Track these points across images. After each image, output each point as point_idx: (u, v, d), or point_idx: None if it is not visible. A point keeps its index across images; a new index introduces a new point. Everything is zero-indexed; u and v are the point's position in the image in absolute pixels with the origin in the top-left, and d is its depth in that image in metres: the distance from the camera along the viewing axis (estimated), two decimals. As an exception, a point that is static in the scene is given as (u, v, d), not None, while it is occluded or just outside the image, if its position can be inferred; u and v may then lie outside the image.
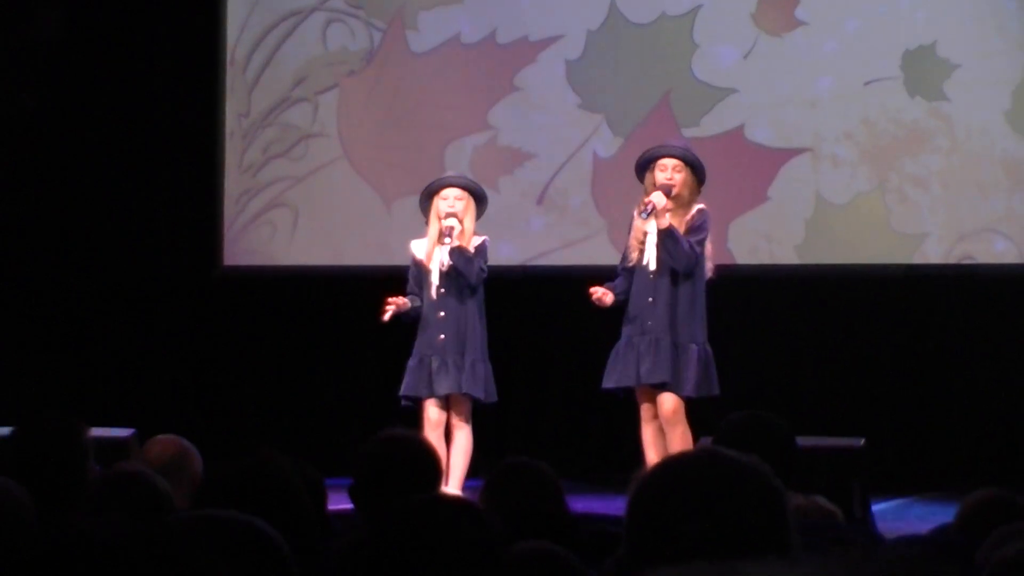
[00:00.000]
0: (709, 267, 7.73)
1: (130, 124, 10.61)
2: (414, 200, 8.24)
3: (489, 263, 7.95)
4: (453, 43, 10.27)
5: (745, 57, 9.81)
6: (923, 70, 9.57)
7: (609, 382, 7.73)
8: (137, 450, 6.29)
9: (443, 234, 7.78)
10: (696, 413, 7.61)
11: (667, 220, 7.57)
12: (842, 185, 9.67)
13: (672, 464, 2.23)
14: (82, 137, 10.65)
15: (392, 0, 10.37)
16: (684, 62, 9.89)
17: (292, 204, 10.44)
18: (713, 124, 9.79)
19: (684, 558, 1.95)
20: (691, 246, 7.57)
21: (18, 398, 9.77)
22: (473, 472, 7.64)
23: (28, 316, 10.64)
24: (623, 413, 8.21)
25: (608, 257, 9.24)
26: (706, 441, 6.21)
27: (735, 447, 2.26)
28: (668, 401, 7.57)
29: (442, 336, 7.82)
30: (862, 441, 7.20)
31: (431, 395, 7.80)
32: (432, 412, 7.81)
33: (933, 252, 9.53)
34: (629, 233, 7.84)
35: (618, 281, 7.79)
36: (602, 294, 7.65)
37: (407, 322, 7.93)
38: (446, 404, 7.84)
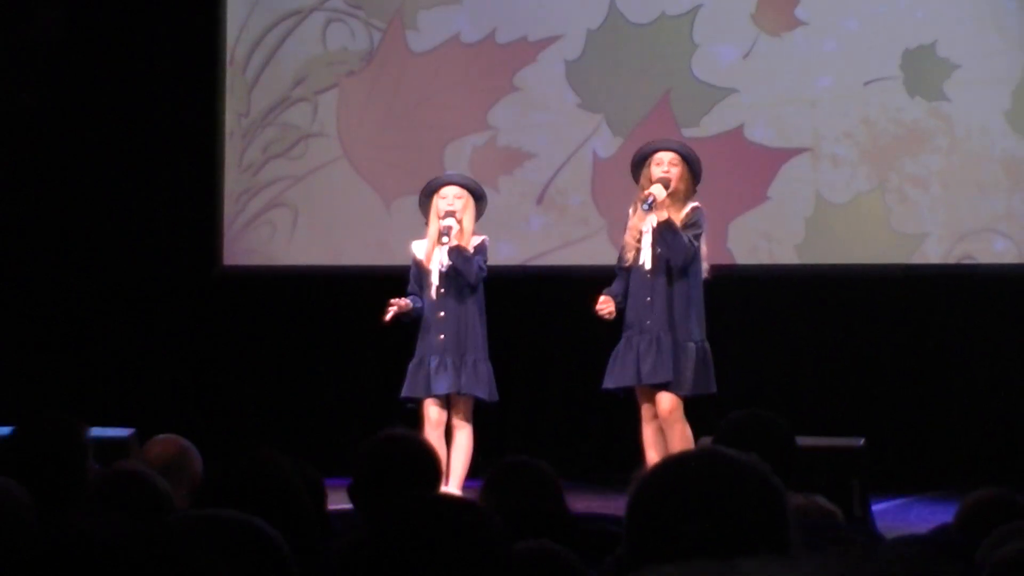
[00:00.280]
0: (705, 267, 7.72)
1: (130, 124, 10.62)
2: (414, 200, 8.24)
3: (489, 263, 7.95)
4: (453, 43, 10.27)
5: (745, 57, 9.81)
6: (923, 70, 9.57)
7: (609, 382, 7.73)
8: (137, 450, 6.29)
9: (441, 233, 7.77)
10: (696, 412, 7.61)
11: (666, 213, 7.56)
12: (842, 185, 9.67)
13: (672, 464, 2.23)
14: (82, 137, 10.65)
15: (392, 0, 10.37)
16: (684, 62, 9.89)
17: (292, 204, 10.44)
18: (713, 124, 9.80)
19: (684, 557, 1.95)
20: (689, 240, 7.57)
21: (18, 398, 9.78)
22: (473, 472, 7.64)
23: (28, 316, 10.64)
24: (623, 413, 8.21)
25: (608, 257, 9.23)
26: (706, 441, 6.21)
27: (735, 446, 2.26)
28: (665, 400, 7.57)
29: (442, 336, 7.82)
30: (862, 441, 7.20)
31: (431, 395, 7.79)
32: (432, 412, 7.80)
33: (933, 252, 9.53)
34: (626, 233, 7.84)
35: (615, 284, 7.79)
36: (608, 313, 7.66)
37: (407, 322, 7.93)
38: (446, 404, 7.83)
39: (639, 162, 7.79)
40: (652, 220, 7.62)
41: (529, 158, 10.10)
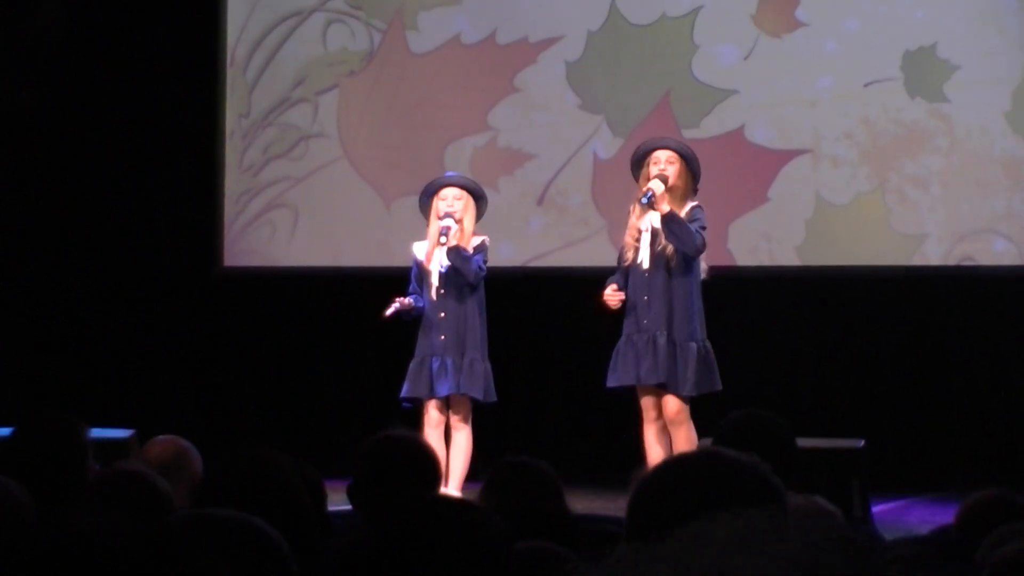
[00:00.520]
0: (703, 267, 7.72)
1: (130, 124, 10.62)
2: (414, 200, 8.24)
3: (489, 263, 7.94)
4: (453, 44, 10.27)
5: (745, 58, 9.81)
6: (923, 71, 9.57)
7: (612, 381, 7.72)
8: (137, 450, 6.29)
9: (440, 234, 7.78)
10: (697, 412, 7.61)
11: (667, 207, 7.55)
12: (842, 186, 9.67)
13: (672, 464, 2.23)
14: (82, 137, 10.65)
15: (392, 0, 10.37)
16: (684, 63, 9.89)
17: (292, 204, 10.44)
18: (713, 125, 9.79)
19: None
20: (697, 230, 7.56)
21: (18, 398, 9.78)
22: (473, 473, 7.64)
23: (28, 316, 10.64)
24: (623, 413, 8.21)
25: (608, 257, 9.23)
26: (707, 443, 6.21)
27: (734, 446, 2.26)
28: (673, 403, 7.56)
29: (442, 337, 7.82)
30: (862, 442, 7.20)
31: (431, 396, 7.79)
32: (432, 413, 7.80)
33: (933, 252, 9.53)
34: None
35: (617, 276, 7.79)
36: (616, 302, 7.66)
37: (407, 320, 7.93)
38: (446, 405, 7.83)
39: (637, 162, 7.79)
40: (651, 219, 7.62)
41: (529, 159, 10.10)
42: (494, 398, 7.91)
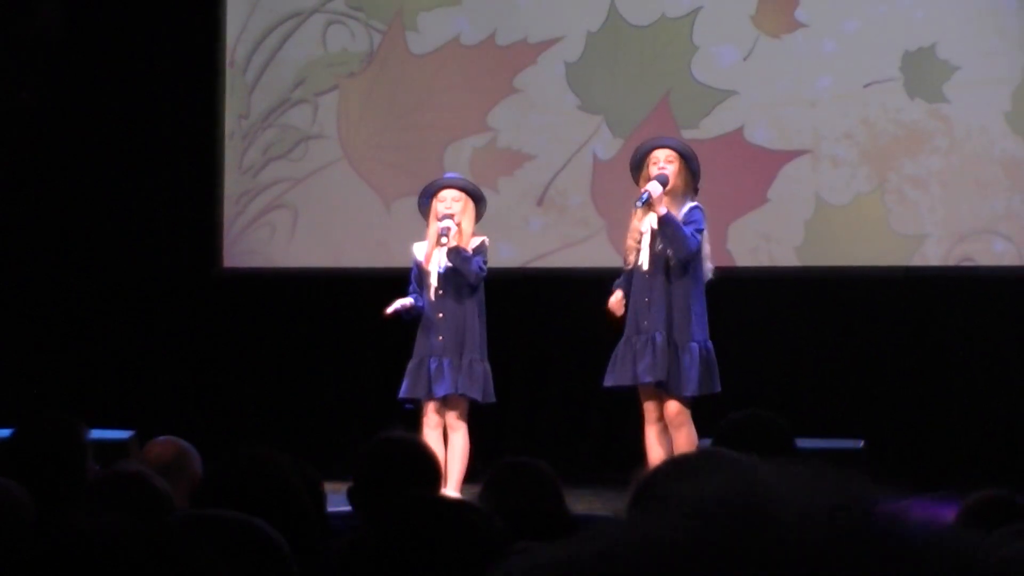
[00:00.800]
0: (708, 267, 7.71)
1: (130, 124, 10.61)
2: (413, 201, 8.24)
3: (489, 264, 7.95)
4: (453, 44, 10.27)
5: (745, 58, 9.81)
6: (923, 71, 9.57)
7: (608, 380, 7.73)
8: (137, 451, 6.29)
9: (439, 235, 7.78)
10: (697, 412, 7.61)
11: (664, 208, 7.55)
12: (842, 186, 9.67)
13: (671, 464, 2.23)
14: (82, 137, 10.65)
15: (392, 1, 10.37)
16: (684, 63, 9.89)
17: (292, 205, 10.44)
18: (713, 125, 9.79)
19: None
20: (691, 233, 7.56)
21: (18, 398, 9.77)
22: (472, 473, 7.63)
23: (28, 316, 10.64)
24: (623, 413, 8.21)
25: (608, 258, 9.24)
26: (706, 443, 6.20)
27: (734, 446, 2.26)
28: (673, 404, 7.56)
29: (441, 337, 7.82)
30: (861, 443, 7.20)
31: (430, 397, 7.79)
32: (431, 414, 7.80)
33: (932, 253, 9.53)
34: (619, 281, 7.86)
35: (622, 281, 7.80)
36: (622, 307, 7.70)
37: (408, 320, 7.94)
38: (443, 405, 7.83)
39: (637, 163, 7.78)
40: (651, 220, 7.61)
41: (529, 159, 10.10)
42: (493, 399, 7.91)
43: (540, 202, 10.09)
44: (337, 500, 4.32)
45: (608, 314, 7.74)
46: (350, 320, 10.02)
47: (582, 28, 10.04)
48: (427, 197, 7.96)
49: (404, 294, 7.95)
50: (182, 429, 5.76)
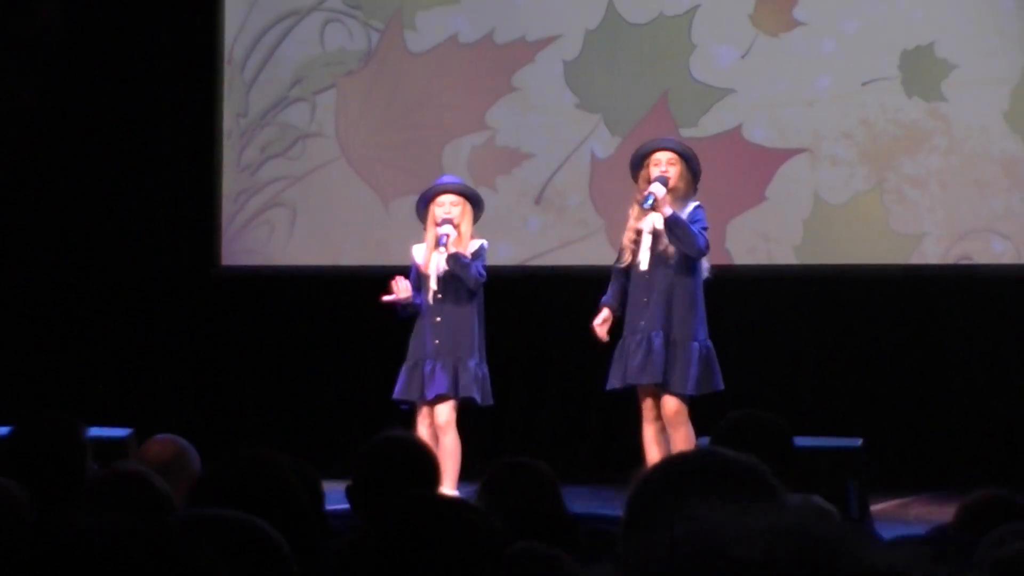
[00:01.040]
0: (705, 266, 7.72)
1: (128, 123, 10.61)
2: (412, 200, 8.24)
3: (487, 263, 7.94)
4: (451, 43, 10.27)
5: (743, 57, 9.82)
6: (921, 70, 9.58)
7: (608, 385, 7.73)
8: (135, 450, 6.28)
9: (438, 242, 7.77)
10: (696, 412, 7.61)
11: (670, 209, 7.55)
12: (840, 185, 9.67)
13: (670, 463, 2.23)
14: (80, 136, 10.65)
15: (390, 0, 10.37)
16: (682, 62, 9.89)
17: (290, 204, 10.44)
18: (711, 124, 9.80)
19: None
20: (699, 231, 7.57)
21: (17, 398, 9.77)
22: (471, 473, 7.63)
23: (27, 316, 10.64)
24: (622, 413, 8.21)
25: (606, 257, 9.23)
26: (704, 442, 6.20)
27: (732, 446, 2.26)
28: (671, 403, 7.56)
29: (437, 341, 7.81)
30: (859, 442, 7.20)
31: (423, 399, 7.79)
32: (425, 415, 7.81)
33: (931, 252, 9.54)
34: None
35: (611, 287, 7.80)
36: (603, 334, 7.72)
37: (404, 316, 7.93)
38: (434, 406, 7.83)
39: (637, 163, 7.78)
40: (653, 220, 7.61)
41: (527, 158, 10.10)
42: (491, 401, 7.92)
43: (538, 201, 10.09)
44: (337, 499, 4.31)
45: (592, 332, 7.76)
46: (349, 319, 10.02)
47: (580, 26, 10.04)
48: (425, 202, 7.96)
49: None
50: (181, 428, 5.76)
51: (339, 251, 10.34)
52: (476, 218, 7.95)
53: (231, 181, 10.51)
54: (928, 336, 9.60)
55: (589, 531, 3.86)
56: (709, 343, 7.67)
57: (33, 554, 1.75)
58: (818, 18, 9.73)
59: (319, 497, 3.88)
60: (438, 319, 7.84)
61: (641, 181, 7.70)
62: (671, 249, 7.59)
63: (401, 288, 7.86)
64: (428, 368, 7.80)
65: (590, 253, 9.70)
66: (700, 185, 7.81)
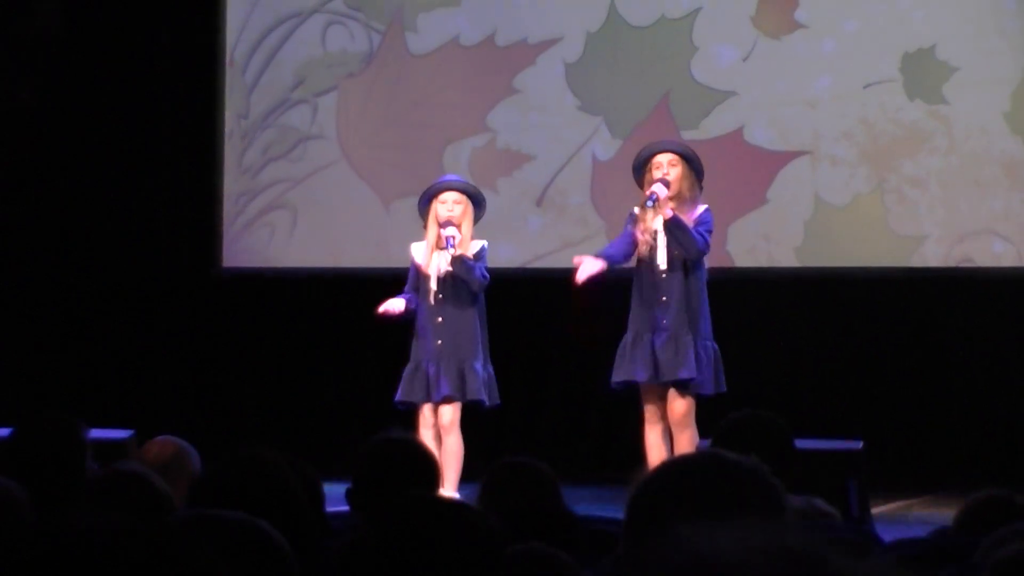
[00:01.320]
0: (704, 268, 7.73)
1: (129, 124, 10.62)
2: (413, 201, 8.24)
3: (488, 265, 7.94)
4: (452, 45, 10.27)
5: (744, 59, 9.82)
6: (922, 72, 9.58)
7: (619, 376, 7.64)
8: (136, 451, 6.28)
9: (443, 245, 7.76)
10: (696, 413, 7.60)
11: (670, 211, 7.54)
12: (841, 186, 9.67)
13: (671, 465, 2.23)
14: (81, 137, 10.65)
15: (391, 2, 10.37)
16: (683, 64, 9.89)
17: (291, 205, 10.45)
18: (712, 126, 9.80)
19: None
20: (701, 234, 7.56)
21: (18, 398, 9.78)
22: (472, 474, 7.63)
23: (28, 316, 10.64)
24: (622, 413, 8.20)
25: (607, 258, 9.24)
26: (705, 444, 6.20)
27: (733, 447, 2.26)
28: (681, 403, 7.53)
29: (439, 341, 7.80)
30: (860, 444, 7.20)
31: (427, 400, 7.78)
32: (428, 416, 7.80)
33: (932, 253, 9.54)
34: (629, 224, 7.74)
35: (615, 245, 7.71)
36: (586, 274, 7.53)
37: (400, 322, 7.92)
38: (438, 408, 7.82)
39: (639, 167, 7.77)
40: (660, 220, 7.60)
41: (528, 160, 10.10)
42: (498, 401, 7.91)
43: (539, 202, 10.09)
44: (337, 500, 4.31)
45: (577, 272, 7.52)
46: (349, 320, 10.02)
47: (582, 28, 10.05)
48: (427, 199, 7.95)
49: (401, 294, 7.94)
50: (181, 429, 5.76)
51: (340, 252, 10.35)
52: (478, 218, 7.94)
53: (232, 183, 10.51)
54: (929, 337, 9.60)
55: (589, 531, 3.86)
56: (715, 344, 7.68)
57: (33, 554, 1.75)
58: (819, 20, 9.73)
59: (319, 497, 3.88)
60: (439, 320, 7.83)
61: (645, 185, 7.68)
62: None
63: (394, 306, 7.84)
64: (432, 370, 7.79)
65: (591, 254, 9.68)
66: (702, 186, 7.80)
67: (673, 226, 7.53)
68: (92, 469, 4.22)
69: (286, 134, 10.49)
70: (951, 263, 9.51)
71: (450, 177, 8.36)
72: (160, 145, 10.60)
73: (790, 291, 9.71)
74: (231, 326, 10.52)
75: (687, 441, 7.47)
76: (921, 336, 9.61)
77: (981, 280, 9.49)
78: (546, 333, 10.05)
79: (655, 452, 7.55)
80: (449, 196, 7.88)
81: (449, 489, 7.52)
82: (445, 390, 7.74)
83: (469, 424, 7.87)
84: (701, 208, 7.65)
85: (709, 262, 7.81)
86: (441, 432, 7.77)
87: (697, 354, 7.55)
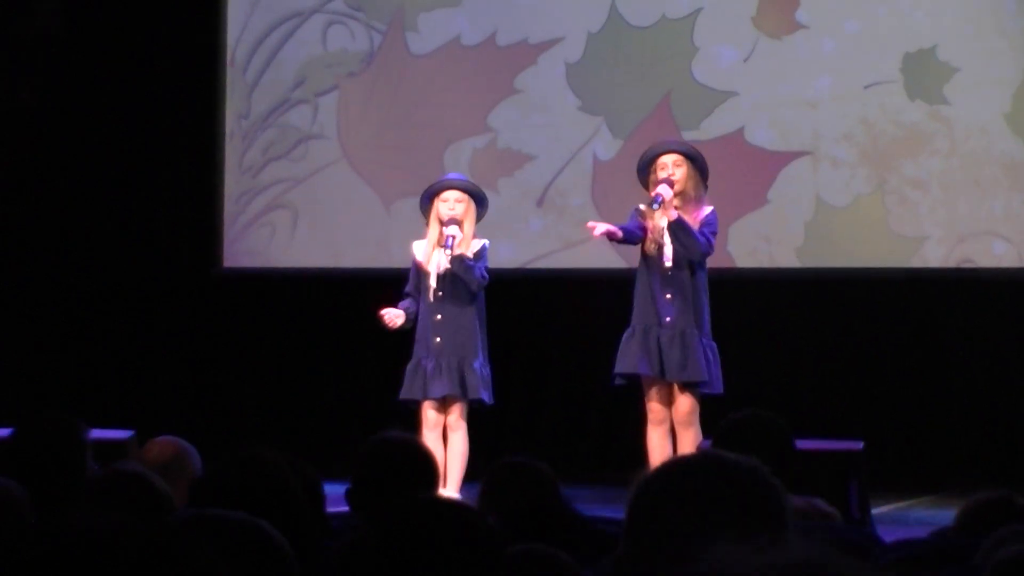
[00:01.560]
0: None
1: (130, 124, 10.62)
2: (413, 201, 8.24)
3: (489, 265, 7.94)
4: (453, 45, 10.27)
5: (745, 60, 9.81)
6: (923, 73, 9.57)
7: (621, 367, 7.63)
8: (136, 451, 6.28)
9: (444, 244, 7.76)
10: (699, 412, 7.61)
11: (675, 213, 7.55)
12: (841, 187, 9.67)
13: (672, 465, 2.23)
14: (82, 137, 10.65)
15: (392, 2, 10.37)
16: (684, 64, 9.89)
17: (292, 205, 10.44)
18: (713, 127, 9.79)
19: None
20: (705, 236, 7.56)
21: (18, 398, 9.77)
22: (472, 473, 7.63)
23: (28, 316, 10.64)
24: (622, 413, 8.20)
25: (607, 259, 9.25)
26: (706, 444, 6.20)
27: (734, 447, 2.26)
28: (687, 402, 7.54)
29: (438, 339, 7.81)
30: (861, 444, 7.19)
31: (427, 397, 7.79)
32: (430, 415, 7.80)
33: (932, 254, 9.53)
34: (635, 217, 7.74)
35: (628, 224, 7.72)
36: (597, 231, 7.60)
37: (407, 327, 7.93)
38: (443, 407, 7.82)
39: (643, 168, 7.77)
40: (665, 221, 7.61)
41: (529, 160, 10.10)
42: (492, 402, 7.92)
43: (540, 203, 10.09)
44: (337, 500, 4.31)
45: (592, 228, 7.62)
46: (350, 320, 10.01)
47: (583, 29, 10.04)
48: (429, 197, 7.95)
49: (403, 294, 7.95)
50: (182, 429, 5.76)
51: (340, 252, 10.34)
52: (479, 217, 7.94)
53: (233, 182, 10.51)
54: (929, 338, 9.60)
55: (589, 531, 3.86)
56: (714, 343, 7.69)
57: (33, 554, 1.75)
58: (820, 20, 9.73)
59: (319, 497, 3.88)
60: (439, 317, 7.83)
61: (651, 185, 7.69)
62: None
63: (392, 316, 7.84)
64: (430, 367, 7.79)
65: (592, 255, 9.69)
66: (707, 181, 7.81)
67: (677, 228, 7.54)
68: (92, 469, 4.22)
69: (287, 134, 10.49)
70: (952, 264, 9.51)
71: (453, 175, 8.37)
72: (161, 145, 10.60)
73: (791, 292, 9.71)
74: (231, 326, 10.52)
75: (691, 439, 7.47)
76: (922, 337, 9.61)
77: (982, 281, 9.49)
78: (546, 333, 10.05)
79: (657, 453, 7.54)
80: (451, 195, 7.88)
81: (452, 489, 7.53)
82: (445, 388, 7.74)
83: (469, 424, 7.87)
84: (707, 209, 7.67)
85: (709, 262, 7.81)
86: (448, 430, 7.78)
87: (705, 354, 7.56)
